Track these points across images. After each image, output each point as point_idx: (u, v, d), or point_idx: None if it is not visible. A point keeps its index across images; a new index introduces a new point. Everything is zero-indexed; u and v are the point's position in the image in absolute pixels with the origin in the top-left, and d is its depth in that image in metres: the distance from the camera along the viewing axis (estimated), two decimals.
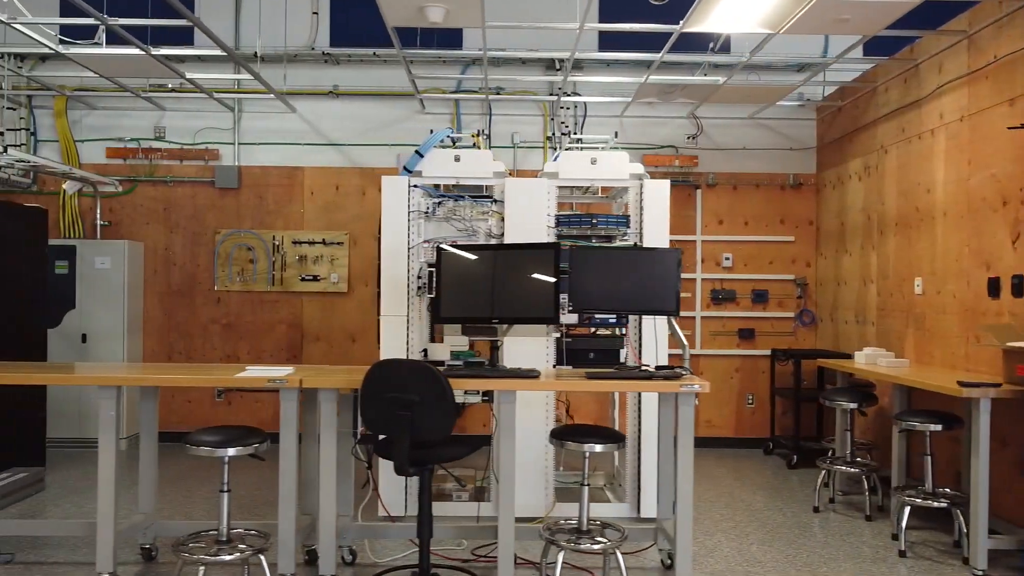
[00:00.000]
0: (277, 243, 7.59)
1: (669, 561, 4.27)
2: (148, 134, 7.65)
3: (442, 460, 3.59)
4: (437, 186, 5.22)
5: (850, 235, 6.98)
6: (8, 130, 7.43)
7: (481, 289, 4.13)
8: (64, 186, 7.39)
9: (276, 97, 7.06)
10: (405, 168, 5.16)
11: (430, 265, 5.12)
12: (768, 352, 7.49)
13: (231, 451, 3.53)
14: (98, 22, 5.26)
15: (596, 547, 3.79)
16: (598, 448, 3.77)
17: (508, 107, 7.63)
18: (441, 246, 4.25)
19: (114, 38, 5.76)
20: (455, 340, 5.18)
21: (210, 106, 7.54)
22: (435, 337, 5.30)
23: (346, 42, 7.49)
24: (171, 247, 7.63)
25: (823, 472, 5.53)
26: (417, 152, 5.15)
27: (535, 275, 4.01)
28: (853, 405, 5.42)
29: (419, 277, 5.11)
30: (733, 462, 7.00)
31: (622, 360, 5.18)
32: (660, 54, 5.84)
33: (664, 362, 4.80)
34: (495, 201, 5.18)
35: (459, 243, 4.59)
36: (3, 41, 6.89)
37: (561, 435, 3.83)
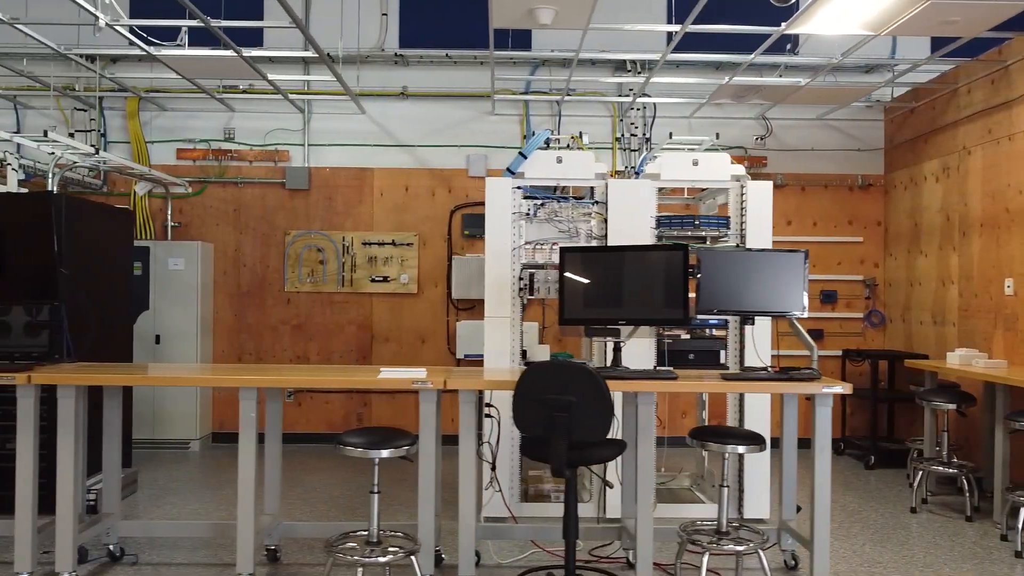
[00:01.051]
0: (347, 244, 7.59)
1: (793, 562, 4.29)
2: (218, 135, 7.66)
3: (596, 461, 3.60)
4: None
5: (926, 236, 6.98)
6: (78, 131, 7.43)
7: (606, 291, 4.13)
8: (135, 187, 7.40)
9: (350, 98, 7.08)
10: (508, 169, 5.16)
11: (526, 266, 5.13)
12: (837, 353, 7.50)
13: (384, 452, 3.53)
14: (200, 23, 5.26)
15: (740, 548, 3.79)
16: (740, 449, 3.78)
17: (576, 108, 7.64)
18: (564, 247, 4.25)
19: (192, 39, 5.80)
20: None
21: (279, 107, 7.55)
22: None
23: (414, 43, 7.50)
24: (241, 248, 7.63)
25: (919, 473, 5.54)
26: (521, 154, 5.16)
27: (665, 276, 4.02)
28: (952, 406, 5.43)
29: (520, 279, 5.12)
30: (806, 462, 6.89)
31: (721, 361, 5.20)
32: (751, 55, 5.85)
33: (767, 363, 4.80)
34: (596, 202, 5.19)
35: (580, 245, 4.60)
36: (76, 43, 6.91)
37: (701, 436, 3.83)
